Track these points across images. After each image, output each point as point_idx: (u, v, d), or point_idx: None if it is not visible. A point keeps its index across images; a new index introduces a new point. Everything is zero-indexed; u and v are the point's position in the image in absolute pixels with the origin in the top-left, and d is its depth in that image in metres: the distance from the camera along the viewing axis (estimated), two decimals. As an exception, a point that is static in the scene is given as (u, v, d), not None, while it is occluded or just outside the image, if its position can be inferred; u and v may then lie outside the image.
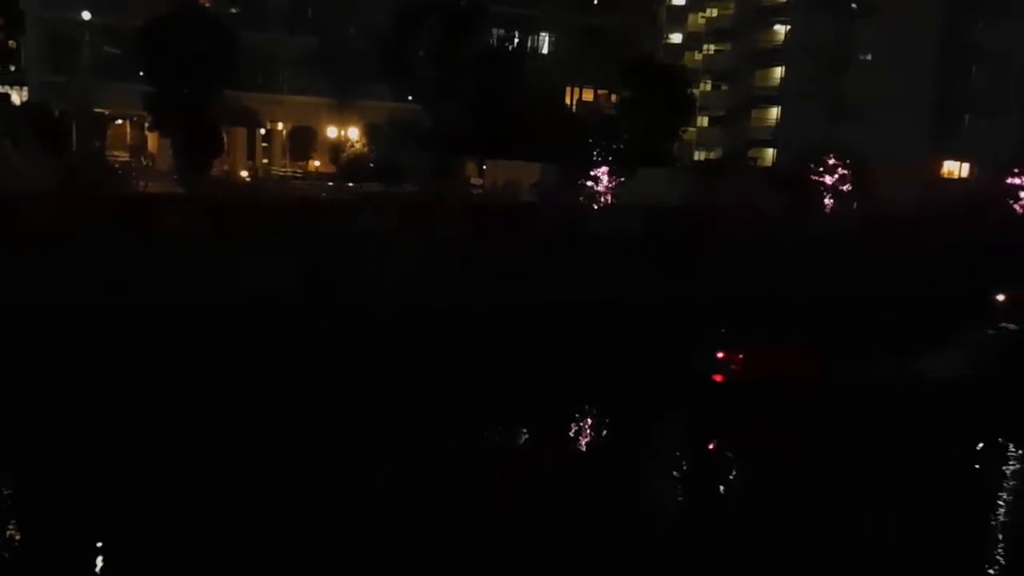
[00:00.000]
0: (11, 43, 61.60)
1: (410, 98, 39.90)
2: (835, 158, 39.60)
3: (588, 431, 22.52)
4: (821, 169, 39.61)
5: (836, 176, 39.47)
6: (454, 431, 19.94)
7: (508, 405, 21.97)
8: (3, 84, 57.23)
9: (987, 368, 24.86)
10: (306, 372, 21.15)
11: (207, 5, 42.43)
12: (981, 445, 22.70)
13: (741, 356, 23.55)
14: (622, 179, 35.90)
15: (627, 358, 24.37)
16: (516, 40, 48.82)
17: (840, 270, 32.23)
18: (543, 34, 51.98)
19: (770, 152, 59.33)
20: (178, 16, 32.92)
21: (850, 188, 39.40)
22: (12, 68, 60.84)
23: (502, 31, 46.87)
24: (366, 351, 22.30)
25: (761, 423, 22.40)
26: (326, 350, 22.10)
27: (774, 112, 60.00)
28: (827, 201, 39.28)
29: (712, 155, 62.43)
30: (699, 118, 60.67)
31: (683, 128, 44.41)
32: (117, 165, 36.92)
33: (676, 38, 68.73)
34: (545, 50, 52.36)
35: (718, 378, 23.35)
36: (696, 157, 61.73)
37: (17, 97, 50.93)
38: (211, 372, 20.46)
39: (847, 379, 23.39)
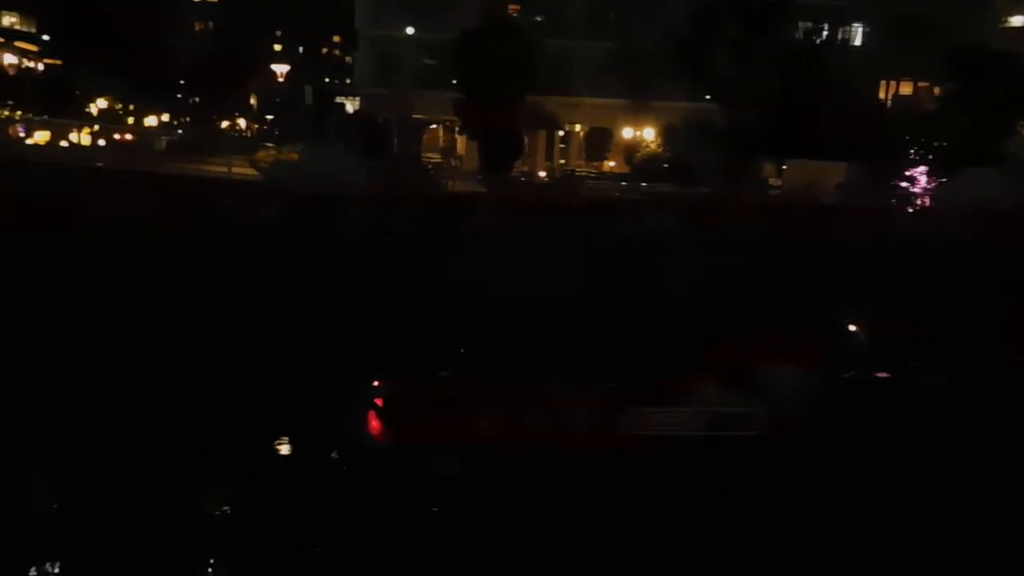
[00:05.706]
0: (347, 59, 69.68)
1: (707, 97, 39.07)
2: None
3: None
4: None
5: None
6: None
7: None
8: (340, 95, 64.84)
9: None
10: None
11: (514, 15, 44.72)
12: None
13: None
14: (943, 180, 32.46)
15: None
16: (824, 33, 45.95)
17: None
18: (855, 25, 48.42)
19: None
20: (488, 28, 35.03)
21: None
22: (348, 81, 68.63)
23: (809, 23, 44.33)
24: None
25: None
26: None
27: None
28: None
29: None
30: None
31: (1023, 123, 39.24)
32: (430, 166, 40.02)
33: (1017, 21, 60.74)
34: (858, 41, 48.73)
35: (374, 429, 14.08)
36: (1038, 155, 54.11)
37: (350, 106, 57.32)
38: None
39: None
